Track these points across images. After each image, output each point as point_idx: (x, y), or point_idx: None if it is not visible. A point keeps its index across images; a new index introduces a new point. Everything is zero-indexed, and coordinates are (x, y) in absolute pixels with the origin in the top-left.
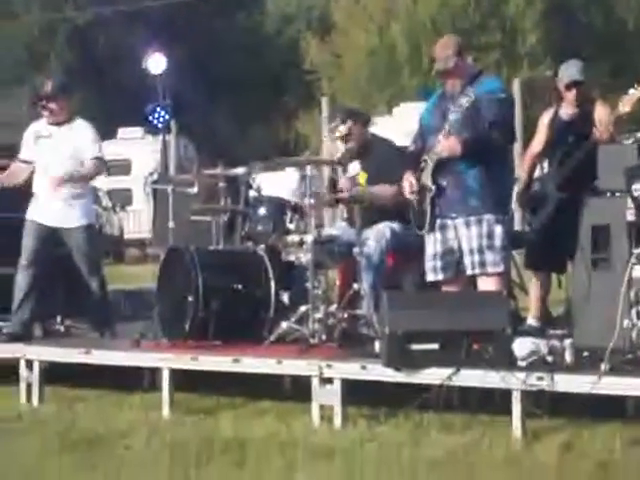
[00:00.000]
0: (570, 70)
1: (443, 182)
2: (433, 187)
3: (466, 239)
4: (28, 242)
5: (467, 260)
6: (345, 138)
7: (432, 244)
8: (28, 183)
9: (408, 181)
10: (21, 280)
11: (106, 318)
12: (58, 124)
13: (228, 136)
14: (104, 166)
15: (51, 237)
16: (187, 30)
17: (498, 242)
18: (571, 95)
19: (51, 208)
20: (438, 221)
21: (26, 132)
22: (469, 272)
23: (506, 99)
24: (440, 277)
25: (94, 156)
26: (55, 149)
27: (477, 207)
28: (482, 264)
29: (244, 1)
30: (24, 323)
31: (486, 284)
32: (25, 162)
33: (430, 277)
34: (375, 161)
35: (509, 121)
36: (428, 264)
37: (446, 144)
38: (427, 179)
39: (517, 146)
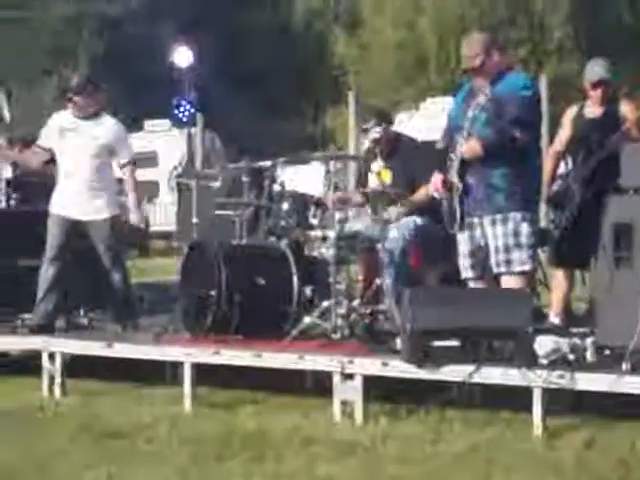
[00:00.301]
0: (596, 69)
1: (469, 180)
2: (460, 185)
3: (492, 237)
4: (53, 236)
5: (493, 259)
6: (377, 140)
7: (463, 242)
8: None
9: (434, 179)
10: (46, 273)
11: (128, 311)
12: (84, 118)
13: (255, 130)
14: (135, 165)
15: (75, 230)
16: (215, 24)
17: (524, 240)
18: (596, 94)
19: (75, 200)
20: (466, 219)
21: (50, 121)
22: (495, 270)
23: (529, 96)
24: (469, 275)
25: (128, 160)
26: (81, 144)
27: (503, 205)
28: (508, 262)
29: None
30: (48, 315)
31: (510, 282)
32: (43, 149)
33: (463, 275)
34: (400, 160)
35: (531, 119)
36: (460, 262)
37: (466, 146)
38: (453, 177)
39: (545, 143)
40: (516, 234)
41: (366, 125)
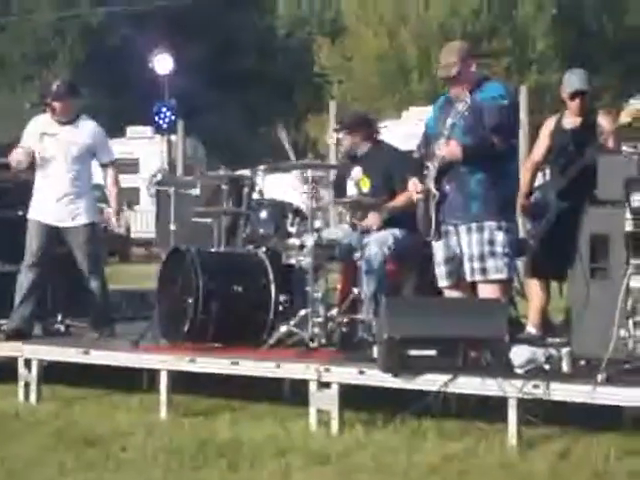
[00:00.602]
0: (573, 79)
1: (446, 187)
2: (437, 193)
3: (467, 245)
4: (32, 242)
5: (467, 266)
6: (338, 143)
7: (439, 250)
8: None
9: (413, 183)
10: (24, 279)
11: (105, 318)
12: (63, 122)
13: (238, 137)
14: (117, 169)
15: (54, 236)
16: (198, 30)
17: (499, 249)
18: (574, 104)
19: (53, 206)
20: (442, 227)
21: (29, 125)
22: (469, 279)
23: (508, 105)
24: (445, 283)
25: (110, 160)
26: (60, 148)
27: (479, 213)
28: (483, 271)
29: (256, 2)
30: (24, 320)
31: (487, 291)
32: (26, 150)
33: (439, 283)
34: (379, 166)
35: (511, 127)
36: (436, 270)
37: (446, 148)
38: (430, 184)
39: (523, 153)
40: (491, 242)
41: (335, 127)
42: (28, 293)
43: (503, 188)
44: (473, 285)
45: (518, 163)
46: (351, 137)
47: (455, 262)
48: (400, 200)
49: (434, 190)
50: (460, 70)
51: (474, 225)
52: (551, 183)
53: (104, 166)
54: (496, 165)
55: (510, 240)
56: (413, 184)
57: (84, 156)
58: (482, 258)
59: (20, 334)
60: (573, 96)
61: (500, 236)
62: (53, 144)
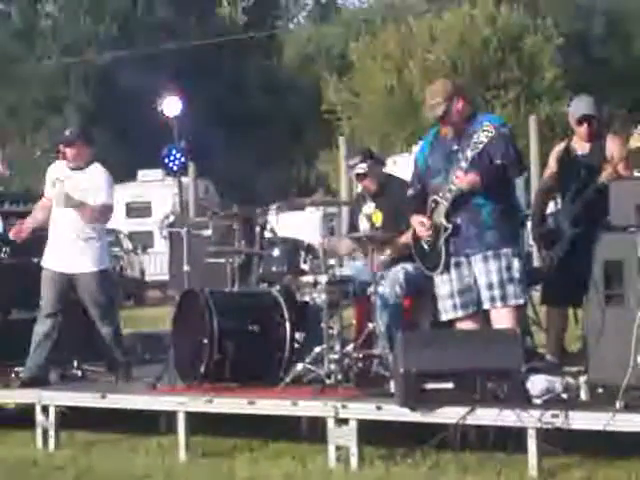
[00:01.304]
0: (581, 105)
1: (457, 220)
2: (449, 226)
3: (485, 274)
4: (46, 292)
5: (485, 295)
6: (362, 176)
7: (447, 283)
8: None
9: (419, 221)
10: (39, 328)
11: (120, 362)
12: (75, 169)
13: (249, 177)
14: (109, 213)
15: (66, 283)
16: (206, 71)
17: (517, 275)
18: (582, 130)
19: (62, 253)
20: (452, 259)
21: (48, 171)
22: (487, 306)
23: (509, 134)
24: (460, 314)
25: (100, 202)
26: (68, 193)
27: (494, 242)
28: (503, 297)
29: (263, 42)
30: (40, 366)
31: (503, 317)
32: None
33: (448, 315)
34: (390, 200)
35: (518, 154)
36: (445, 303)
37: (466, 179)
38: (440, 218)
39: (535, 183)
40: (509, 269)
41: (352, 162)
42: (43, 340)
43: (513, 216)
44: (485, 313)
45: (530, 191)
46: (379, 166)
47: (470, 293)
48: (408, 237)
49: (445, 224)
50: (446, 110)
51: (490, 253)
52: (563, 210)
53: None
54: (505, 195)
55: (523, 265)
56: (420, 223)
57: (90, 200)
58: (502, 285)
59: (36, 381)
60: (581, 121)
61: (516, 262)
62: (62, 189)
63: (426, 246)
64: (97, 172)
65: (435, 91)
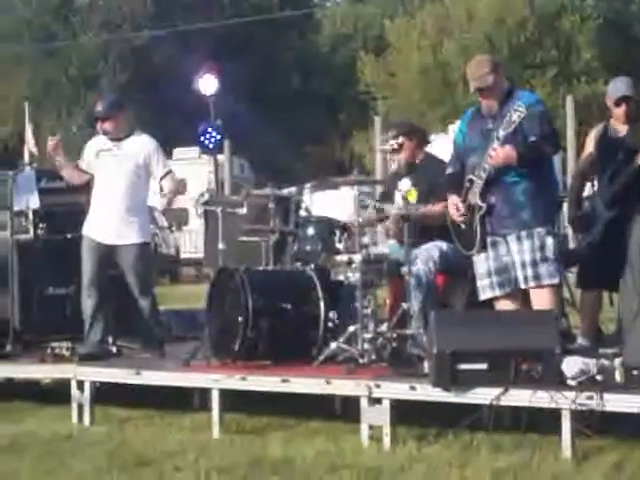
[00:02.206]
0: (618, 85)
1: (492, 199)
2: (484, 205)
3: (518, 253)
4: (87, 263)
5: (520, 274)
6: (395, 152)
7: (484, 262)
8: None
9: (453, 204)
10: (87, 301)
11: (156, 338)
12: (118, 139)
13: (284, 156)
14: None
15: (107, 254)
16: (242, 50)
17: (550, 254)
18: (620, 111)
19: (106, 224)
20: (489, 239)
21: (87, 145)
22: (522, 286)
23: (545, 111)
24: (498, 293)
25: (167, 171)
26: (118, 164)
27: (527, 221)
28: (537, 277)
29: (299, 21)
30: (96, 343)
31: (541, 297)
32: (84, 171)
33: (486, 294)
34: (427, 179)
35: (553, 131)
36: (483, 282)
37: (502, 152)
38: (475, 198)
39: (571, 164)
40: (542, 248)
41: (385, 135)
42: (93, 317)
43: (548, 194)
44: (524, 292)
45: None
46: (412, 142)
47: (507, 272)
48: (433, 210)
49: (480, 203)
50: (494, 80)
51: (524, 233)
52: (600, 192)
53: (162, 178)
54: (539, 173)
55: (558, 243)
56: (454, 205)
57: (140, 170)
58: (535, 264)
59: (93, 358)
60: (618, 103)
61: (550, 241)
62: (108, 160)
63: (462, 225)
64: (148, 140)
65: (481, 62)
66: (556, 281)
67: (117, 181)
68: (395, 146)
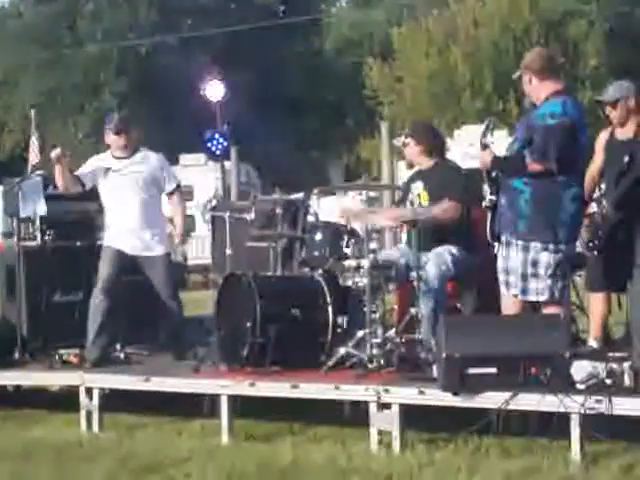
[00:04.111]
0: (610, 89)
1: (501, 200)
2: (493, 197)
3: (513, 260)
4: (105, 268)
5: (511, 279)
6: (400, 150)
7: (501, 258)
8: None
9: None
10: (96, 305)
11: (183, 341)
12: (124, 157)
13: (290, 161)
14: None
15: (127, 264)
16: (248, 56)
17: (542, 271)
18: (615, 114)
19: (128, 237)
20: (503, 237)
21: (92, 161)
22: (513, 292)
23: (553, 126)
24: (505, 292)
25: (175, 186)
26: (127, 182)
27: (525, 233)
28: (524, 292)
29: (305, 26)
30: (103, 349)
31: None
32: (80, 181)
33: (502, 290)
34: (438, 182)
35: (554, 148)
36: (499, 277)
37: (480, 154)
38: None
39: None
40: (534, 264)
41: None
42: (103, 322)
43: (553, 209)
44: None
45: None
46: (417, 145)
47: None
48: (431, 210)
49: (489, 195)
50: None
51: (520, 243)
52: (606, 195)
53: (170, 194)
54: (545, 186)
55: (558, 261)
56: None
57: (150, 186)
58: (525, 279)
59: (100, 364)
60: (613, 106)
61: (545, 257)
62: (119, 179)
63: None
64: (155, 157)
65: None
66: (543, 298)
67: (130, 199)
68: (399, 143)
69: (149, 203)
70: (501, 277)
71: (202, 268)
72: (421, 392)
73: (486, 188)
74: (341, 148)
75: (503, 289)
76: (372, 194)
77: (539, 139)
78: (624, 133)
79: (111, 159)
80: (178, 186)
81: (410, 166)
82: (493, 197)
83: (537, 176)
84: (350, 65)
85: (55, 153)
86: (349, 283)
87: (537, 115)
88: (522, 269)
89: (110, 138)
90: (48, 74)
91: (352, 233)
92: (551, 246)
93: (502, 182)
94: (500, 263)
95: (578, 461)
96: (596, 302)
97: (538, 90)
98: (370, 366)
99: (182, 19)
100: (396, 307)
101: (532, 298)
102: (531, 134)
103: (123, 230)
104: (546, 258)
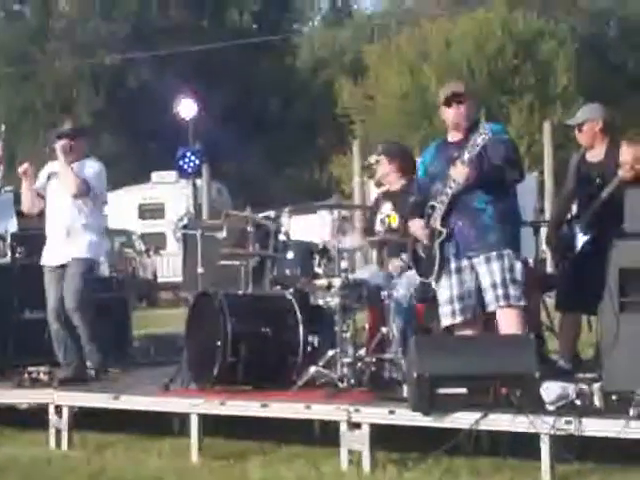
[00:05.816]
0: (577, 114)
1: (459, 223)
2: (443, 230)
3: (488, 275)
4: (47, 289)
5: (490, 295)
6: (369, 168)
7: (447, 289)
8: None
9: (419, 225)
10: (56, 333)
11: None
12: (69, 162)
13: (262, 179)
14: (85, 190)
15: (62, 276)
16: (220, 74)
17: (518, 277)
18: (581, 137)
19: (54, 245)
20: (453, 265)
21: (43, 169)
22: (492, 308)
23: (511, 140)
24: (458, 320)
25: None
26: (60, 186)
27: (496, 243)
28: (506, 297)
29: (278, 45)
30: (76, 367)
31: (508, 318)
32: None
33: (447, 321)
34: (407, 203)
35: (518, 159)
36: (444, 309)
37: (461, 170)
38: (436, 223)
39: (548, 188)
40: (511, 270)
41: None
42: (67, 345)
43: (514, 219)
44: (487, 318)
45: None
46: (388, 165)
47: (470, 298)
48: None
49: (440, 228)
50: (468, 98)
51: (494, 254)
52: (578, 216)
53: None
54: (505, 199)
55: (524, 269)
56: (420, 227)
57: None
58: (505, 285)
59: (73, 382)
60: (579, 129)
61: (518, 265)
62: (55, 183)
63: (420, 251)
64: (91, 165)
65: (458, 84)
66: (522, 303)
67: (60, 202)
68: (372, 161)
69: (78, 208)
70: (454, 306)
71: (172, 286)
72: (391, 412)
73: (437, 222)
74: (313, 166)
75: (457, 318)
76: (344, 212)
77: (505, 150)
78: (594, 155)
79: (56, 164)
80: (85, 182)
81: (378, 185)
82: (444, 229)
83: (496, 195)
84: (322, 83)
85: (22, 168)
86: (320, 302)
87: (488, 129)
88: (501, 276)
89: (64, 141)
90: (19, 91)
91: (323, 252)
92: (518, 253)
93: (459, 205)
94: (447, 294)
95: None
96: (566, 323)
97: (472, 113)
98: (341, 385)
99: (155, 36)
100: (367, 326)
101: (515, 303)
102: (489, 147)
103: (50, 238)
104: (519, 265)
